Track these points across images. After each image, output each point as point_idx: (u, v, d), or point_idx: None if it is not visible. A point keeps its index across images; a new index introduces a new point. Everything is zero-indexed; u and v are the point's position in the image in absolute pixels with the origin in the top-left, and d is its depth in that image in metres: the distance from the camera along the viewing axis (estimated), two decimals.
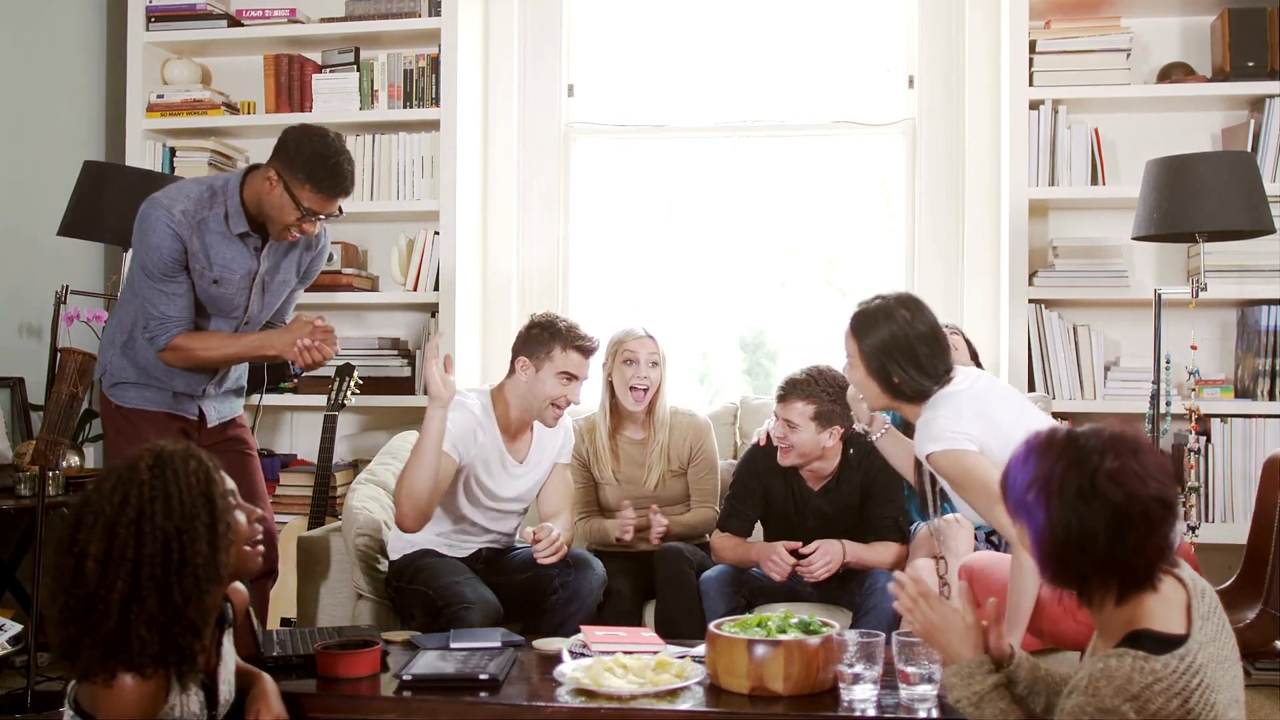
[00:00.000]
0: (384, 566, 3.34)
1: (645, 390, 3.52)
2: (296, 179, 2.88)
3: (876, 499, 3.29)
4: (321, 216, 2.96)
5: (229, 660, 2.15)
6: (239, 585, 2.28)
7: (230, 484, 2.02)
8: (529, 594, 3.19)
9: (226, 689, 2.12)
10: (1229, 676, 1.79)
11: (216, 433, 3.16)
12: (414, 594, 3.16)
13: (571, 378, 3.19)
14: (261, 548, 2.10)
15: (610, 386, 3.59)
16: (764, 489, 3.37)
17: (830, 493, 3.32)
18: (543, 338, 3.20)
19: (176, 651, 1.88)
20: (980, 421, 2.58)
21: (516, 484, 3.30)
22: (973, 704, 1.93)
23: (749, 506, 3.37)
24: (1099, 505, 1.71)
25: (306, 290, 4.00)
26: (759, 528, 3.43)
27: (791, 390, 3.18)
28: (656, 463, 3.57)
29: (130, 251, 3.03)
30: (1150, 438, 1.82)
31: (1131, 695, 1.65)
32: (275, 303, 3.18)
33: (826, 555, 3.14)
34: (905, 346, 2.62)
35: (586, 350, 3.20)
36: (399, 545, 3.29)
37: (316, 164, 2.89)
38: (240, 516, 2.03)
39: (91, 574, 1.84)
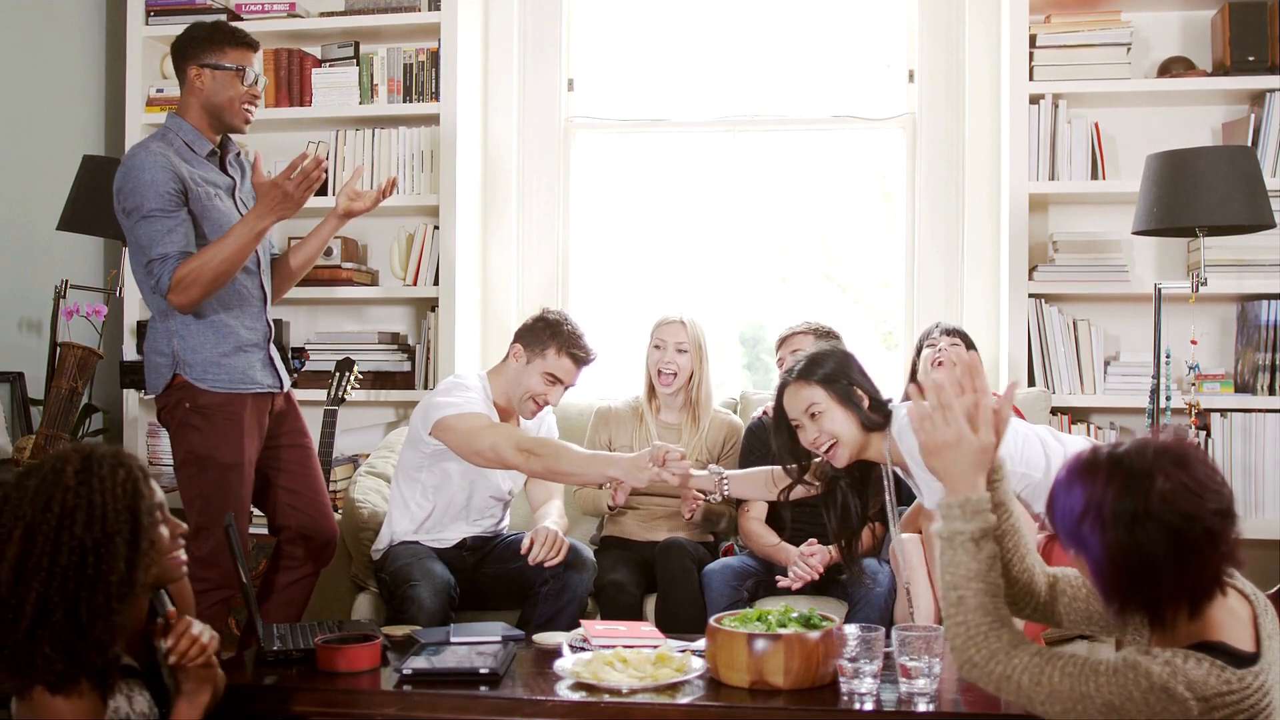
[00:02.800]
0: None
1: (674, 375, 3.58)
2: (216, 52, 2.96)
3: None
4: (256, 75, 2.99)
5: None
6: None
7: (159, 496, 1.95)
8: (519, 583, 3.21)
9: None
10: None
11: (285, 422, 3.12)
12: (383, 583, 3.23)
13: (556, 380, 3.24)
14: (183, 555, 2.02)
15: (649, 371, 3.67)
16: (767, 454, 3.39)
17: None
18: (543, 335, 3.25)
19: (82, 669, 1.82)
20: None
21: (506, 474, 3.32)
22: (974, 540, 1.83)
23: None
24: (1157, 531, 1.63)
25: (306, 285, 4.02)
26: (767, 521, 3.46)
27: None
28: (695, 449, 3.58)
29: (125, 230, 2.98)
30: (1196, 444, 1.74)
31: (1203, 696, 1.60)
32: None
33: (823, 559, 3.20)
34: (849, 360, 2.75)
35: (579, 360, 3.25)
36: (380, 543, 3.33)
37: (220, 31, 3.00)
38: (164, 530, 1.95)
39: (5, 580, 1.77)
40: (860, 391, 2.69)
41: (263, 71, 3.03)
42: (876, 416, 2.68)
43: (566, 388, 3.30)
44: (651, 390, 3.68)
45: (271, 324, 3.11)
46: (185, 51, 2.99)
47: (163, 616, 2.03)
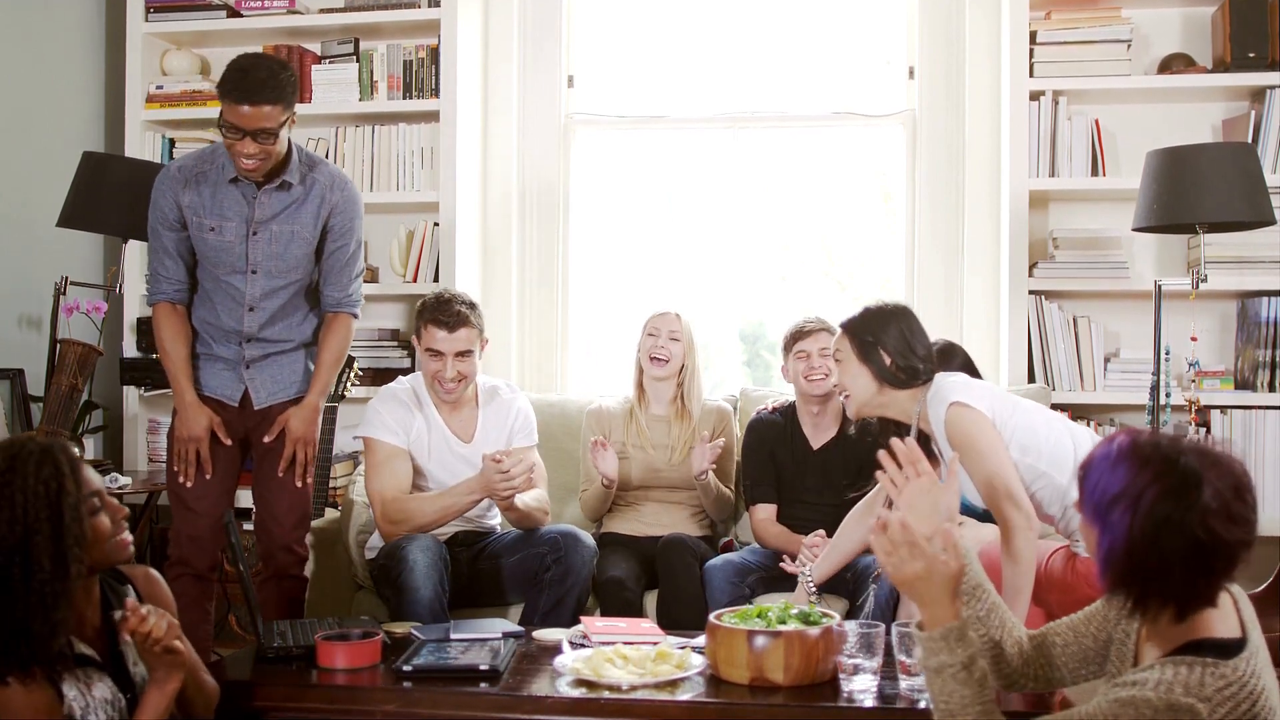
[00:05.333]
0: None
1: (665, 360, 3.61)
2: (221, 99, 2.93)
3: (866, 479, 3.34)
4: (244, 133, 2.90)
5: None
6: (152, 572, 2.24)
7: (94, 484, 1.98)
8: (521, 575, 3.21)
9: (143, 669, 2.09)
10: (1274, 680, 1.74)
11: (262, 427, 3.14)
12: (375, 573, 3.24)
13: (438, 354, 3.23)
14: (129, 536, 2.06)
15: (640, 363, 3.69)
16: (769, 451, 3.49)
17: (830, 453, 3.44)
18: (418, 318, 3.30)
19: (19, 663, 1.85)
20: (989, 390, 2.69)
21: (466, 467, 3.29)
22: (964, 668, 1.82)
23: (765, 471, 3.48)
24: (1183, 540, 1.63)
25: None
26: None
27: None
28: (685, 440, 3.62)
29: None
30: (1241, 463, 1.73)
31: (1205, 697, 1.62)
32: (290, 255, 3.10)
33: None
34: (884, 318, 2.75)
35: (443, 324, 3.20)
36: (374, 541, 3.34)
37: (225, 74, 2.93)
38: (103, 519, 1.99)
39: None
40: (883, 350, 2.71)
41: (252, 124, 2.89)
42: (900, 375, 2.71)
43: (461, 356, 3.23)
44: (640, 387, 3.71)
45: (246, 351, 3.14)
46: None
47: (121, 608, 2.05)
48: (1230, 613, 1.73)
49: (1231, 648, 1.67)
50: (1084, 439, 2.68)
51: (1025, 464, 2.60)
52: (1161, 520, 1.63)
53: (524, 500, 3.22)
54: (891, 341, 2.71)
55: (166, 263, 3.11)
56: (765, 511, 3.46)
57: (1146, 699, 1.63)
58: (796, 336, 3.48)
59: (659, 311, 3.70)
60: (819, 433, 3.49)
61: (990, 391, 2.70)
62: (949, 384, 2.67)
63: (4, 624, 1.84)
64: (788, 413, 3.55)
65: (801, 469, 3.45)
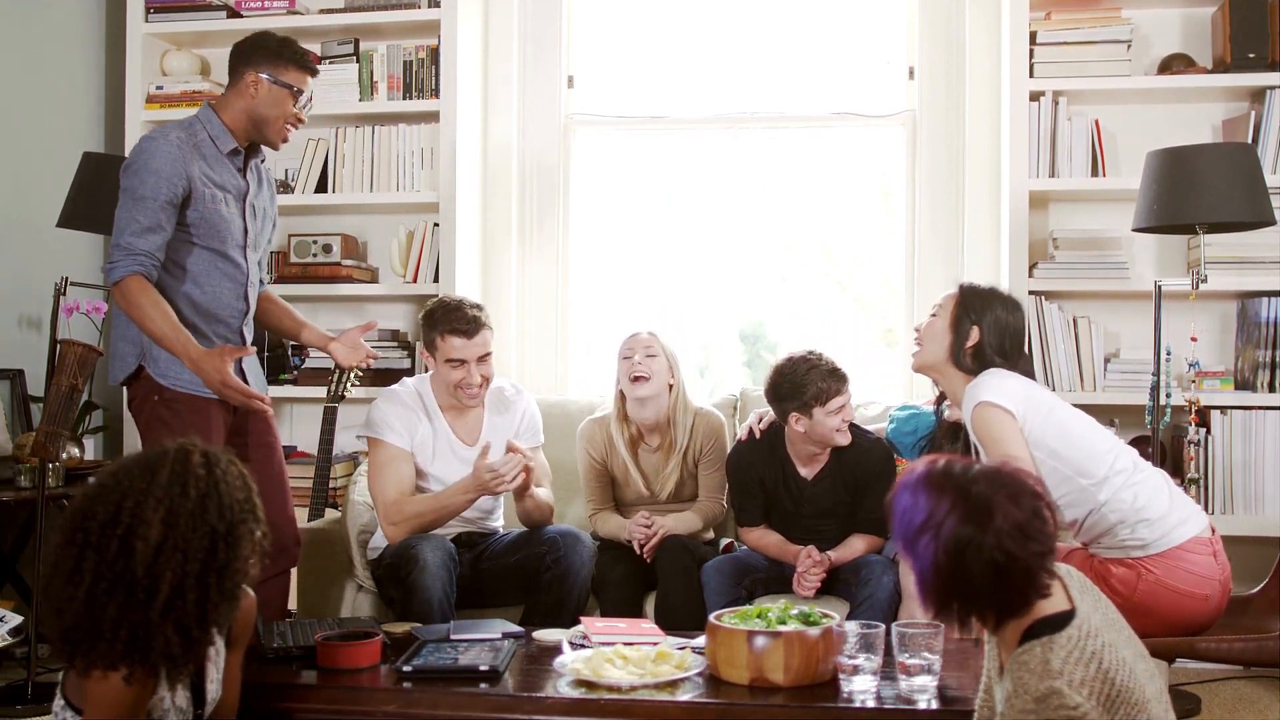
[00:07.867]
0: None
1: (647, 378, 3.41)
2: (280, 67, 3.00)
3: (867, 495, 3.32)
4: (309, 100, 3.06)
5: (219, 660, 2.14)
6: (249, 590, 2.24)
7: None
8: (521, 575, 3.22)
9: (215, 688, 2.12)
10: (1124, 636, 1.90)
11: (253, 420, 3.11)
12: (380, 575, 3.25)
13: (460, 362, 3.22)
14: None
15: (621, 394, 3.52)
16: (758, 477, 3.39)
17: (824, 482, 3.36)
18: (428, 329, 3.29)
19: (187, 656, 1.87)
20: (1026, 390, 2.72)
21: (470, 470, 3.26)
22: None
23: (753, 497, 3.40)
24: (982, 563, 1.78)
25: (307, 282, 4.00)
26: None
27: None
28: (675, 469, 3.52)
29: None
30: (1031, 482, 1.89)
31: (1055, 673, 1.73)
32: (266, 230, 3.17)
33: (821, 573, 3.20)
34: (992, 303, 2.82)
35: (463, 331, 3.21)
36: (376, 541, 3.36)
37: (289, 48, 3.05)
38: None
39: (142, 560, 1.82)
40: (978, 331, 2.78)
41: (311, 97, 3.09)
42: (968, 361, 2.78)
43: (482, 360, 3.24)
44: (625, 417, 3.52)
45: (249, 341, 3.10)
46: (250, 56, 3.02)
47: None
48: (1057, 590, 1.86)
49: (1061, 620, 1.81)
50: (1127, 452, 2.72)
51: (1050, 466, 2.64)
52: (963, 545, 1.79)
53: (537, 492, 3.26)
54: (986, 329, 2.79)
55: (153, 236, 2.83)
56: (754, 530, 3.40)
57: (1019, 710, 1.74)
58: (831, 389, 3.20)
59: (630, 334, 3.53)
60: (810, 465, 3.36)
61: (1028, 393, 2.72)
62: (985, 381, 2.71)
63: (198, 609, 1.85)
64: (775, 442, 3.38)
65: (797, 501, 3.36)
